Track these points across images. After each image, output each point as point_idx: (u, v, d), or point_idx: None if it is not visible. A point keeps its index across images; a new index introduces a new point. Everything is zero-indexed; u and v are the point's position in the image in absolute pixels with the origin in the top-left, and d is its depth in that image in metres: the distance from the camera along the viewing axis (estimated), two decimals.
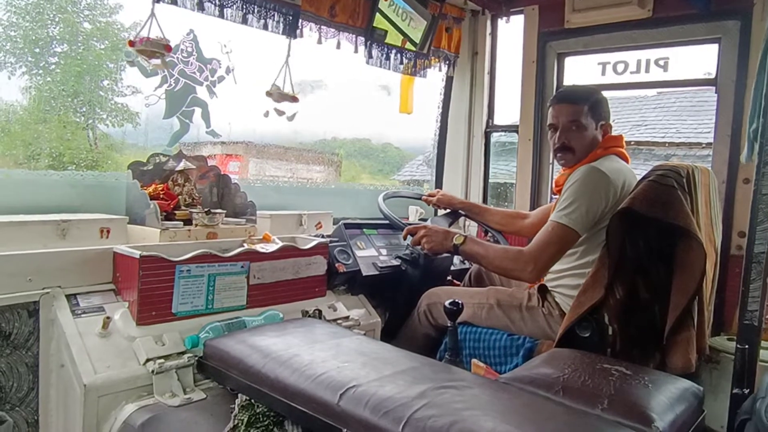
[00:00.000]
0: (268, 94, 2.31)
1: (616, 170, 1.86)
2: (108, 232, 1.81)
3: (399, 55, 2.83)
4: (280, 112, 2.34)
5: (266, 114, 2.39)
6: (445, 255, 2.24)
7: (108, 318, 1.61)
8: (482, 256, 1.92)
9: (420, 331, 2.17)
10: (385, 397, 1.19)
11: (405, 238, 2.10)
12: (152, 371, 1.54)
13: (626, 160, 2.00)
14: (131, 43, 1.85)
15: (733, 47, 2.33)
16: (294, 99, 2.30)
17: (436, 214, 3.29)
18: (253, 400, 1.44)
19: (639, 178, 1.73)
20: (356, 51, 2.66)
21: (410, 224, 2.12)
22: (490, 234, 2.54)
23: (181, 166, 2.18)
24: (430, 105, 3.33)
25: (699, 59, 2.55)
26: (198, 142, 2.54)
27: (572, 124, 1.96)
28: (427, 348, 2.12)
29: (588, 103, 1.97)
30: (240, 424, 1.40)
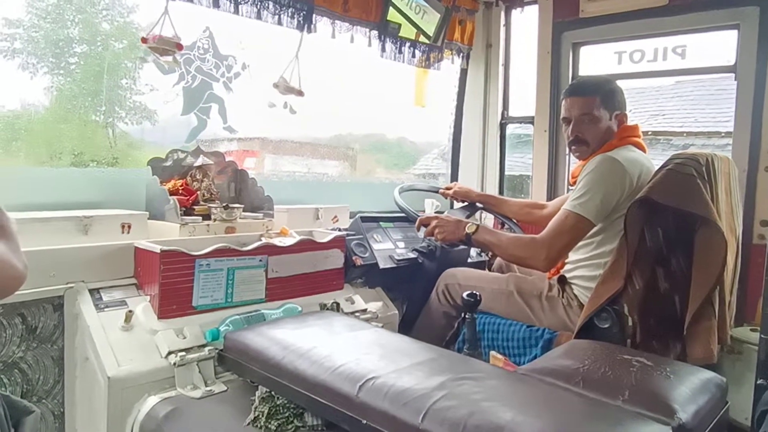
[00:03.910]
0: (275, 85, 2.33)
1: (632, 160, 1.85)
2: (129, 227, 1.83)
3: (412, 48, 2.83)
4: (271, 105, 2.43)
5: (271, 105, 2.45)
6: (462, 247, 2.24)
7: (130, 312, 1.63)
8: (494, 244, 1.92)
9: (439, 311, 2.19)
10: (404, 388, 1.19)
11: (418, 229, 2.11)
12: (174, 364, 1.56)
13: (643, 150, 1.98)
14: (144, 40, 1.87)
15: (752, 33, 2.29)
16: (299, 93, 2.31)
17: (452, 207, 3.29)
18: (273, 392, 1.45)
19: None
20: (370, 45, 2.66)
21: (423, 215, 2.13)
22: (506, 226, 2.53)
23: (200, 161, 2.20)
24: (445, 98, 3.31)
25: (717, 46, 2.50)
26: (215, 139, 2.57)
27: (585, 116, 1.95)
28: (446, 327, 2.15)
29: (600, 94, 1.96)
30: (260, 416, 1.41)
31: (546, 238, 1.81)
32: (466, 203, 2.56)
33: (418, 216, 2.14)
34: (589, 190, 1.79)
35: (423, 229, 2.07)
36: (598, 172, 1.81)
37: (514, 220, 2.48)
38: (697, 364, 1.53)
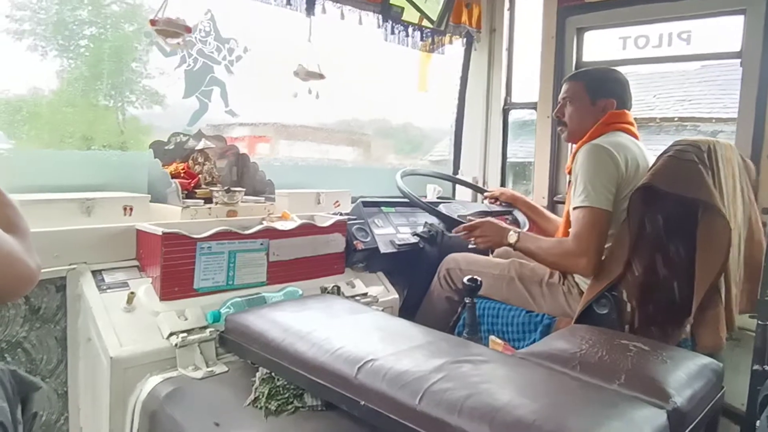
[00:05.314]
0: (295, 74, 2.34)
1: (616, 143, 1.86)
2: (131, 209, 1.84)
3: (416, 32, 2.81)
4: (294, 94, 2.42)
5: (294, 95, 2.45)
6: None
7: (132, 293, 1.65)
8: (535, 253, 1.92)
9: (442, 296, 2.20)
10: (402, 370, 1.20)
11: (458, 232, 2.11)
12: (175, 345, 1.58)
13: (635, 137, 1.98)
14: (153, 22, 1.87)
15: (759, 18, 2.26)
16: (321, 76, 2.34)
17: (453, 194, 3.28)
18: (273, 374, 1.47)
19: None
20: (379, 26, 2.65)
21: (465, 219, 2.13)
22: (509, 220, 2.53)
23: (201, 145, 2.21)
24: (450, 83, 3.30)
25: (723, 32, 2.48)
26: (228, 124, 2.57)
27: (566, 99, 2.06)
28: (449, 312, 2.16)
29: (586, 79, 2.03)
30: (261, 397, 1.43)
31: (577, 244, 1.78)
32: (500, 208, 2.54)
33: (463, 222, 2.13)
34: (588, 181, 1.79)
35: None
36: (588, 161, 1.82)
37: (525, 220, 2.47)
38: (706, 353, 1.53)
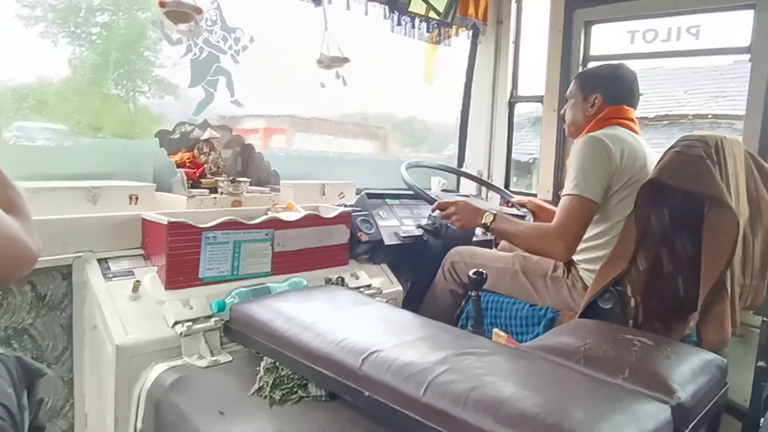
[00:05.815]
0: (319, 62, 2.33)
1: (613, 136, 1.86)
2: (137, 198, 1.84)
3: (423, 24, 2.80)
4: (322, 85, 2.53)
5: (322, 85, 2.55)
6: None
7: (138, 282, 1.65)
8: (513, 234, 1.92)
9: (446, 289, 2.20)
10: (406, 362, 1.20)
11: (433, 211, 2.11)
12: (180, 334, 1.58)
13: (634, 132, 1.98)
14: (162, 4, 1.85)
15: None
16: (345, 60, 2.34)
17: (458, 187, 3.28)
18: (277, 363, 1.48)
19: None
20: (386, 17, 2.64)
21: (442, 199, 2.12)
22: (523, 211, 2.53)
23: (207, 135, 2.20)
24: (456, 76, 3.28)
25: (733, 26, 2.46)
26: (233, 116, 2.55)
27: (567, 97, 2.11)
28: (453, 306, 2.16)
29: (581, 77, 2.09)
30: (265, 386, 1.44)
31: (559, 229, 1.81)
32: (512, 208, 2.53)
33: (434, 198, 2.13)
34: (580, 170, 1.80)
35: (438, 211, 2.08)
36: (582, 152, 1.83)
37: (525, 211, 2.47)
38: (711, 349, 1.52)
